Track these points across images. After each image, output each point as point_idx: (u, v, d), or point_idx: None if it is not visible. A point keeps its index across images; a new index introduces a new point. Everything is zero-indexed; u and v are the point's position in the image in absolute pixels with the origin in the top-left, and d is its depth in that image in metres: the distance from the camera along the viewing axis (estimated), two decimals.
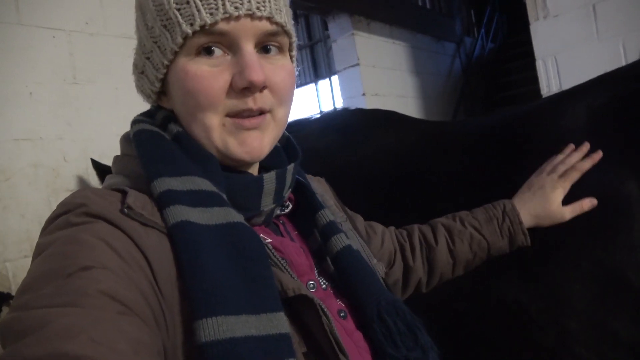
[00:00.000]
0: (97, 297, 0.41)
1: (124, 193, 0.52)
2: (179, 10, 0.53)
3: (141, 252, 0.48)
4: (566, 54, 3.20)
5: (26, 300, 0.41)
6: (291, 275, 0.57)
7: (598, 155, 0.90)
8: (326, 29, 4.45)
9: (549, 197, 0.90)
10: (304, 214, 0.69)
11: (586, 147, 0.92)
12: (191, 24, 0.53)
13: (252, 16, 0.54)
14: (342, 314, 0.61)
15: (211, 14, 0.53)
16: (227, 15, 0.53)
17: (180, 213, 0.50)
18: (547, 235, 0.91)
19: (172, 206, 0.51)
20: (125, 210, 0.50)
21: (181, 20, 0.53)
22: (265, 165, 0.66)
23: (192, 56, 0.55)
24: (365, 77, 4.11)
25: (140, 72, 0.62)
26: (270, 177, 0.59)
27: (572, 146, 0.94)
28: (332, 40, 4.26)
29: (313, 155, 1.46)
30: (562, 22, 3.19)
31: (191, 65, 0.55)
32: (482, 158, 1.11)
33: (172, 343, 0.46)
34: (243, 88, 0.55)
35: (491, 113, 1.36)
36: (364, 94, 4.06)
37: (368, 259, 0.71)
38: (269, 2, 0.55)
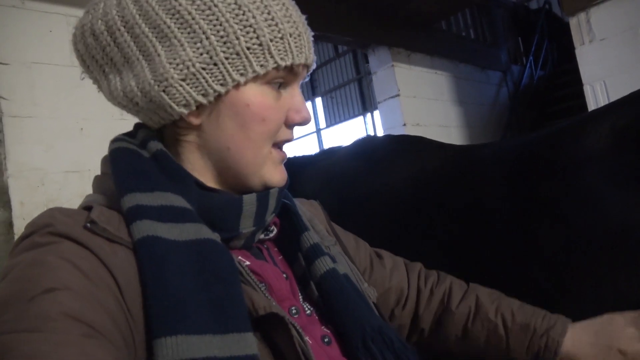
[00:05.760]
0: (60, 320, 0.40)
1: (90, 209, 0.52)
2: (272, 41, 0.55)
3: (108, 271, 0.47)
4: (616, 79, 3.07)
5: None
6: (264, 294, 0.54)
7: None
8: (367, 62, 4.51)
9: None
10: (288, 238, 0.67)
11: None
12: (282, 58, 0.56)
13: (308, 67, 0.62)
14: (326, 340, 0.58)
15: (298, 55, 0.57)
16: (305, 60, 0.59)
17: (148, 228, 0.49)
18: None
19: (139, 221, 0.50)
20: (89, 225, 0.49)
21: (274, 52, 0.55)
22: None
23: (261, 85, 0.58)
24: (406, 108, 4.10)
25: (181, 78, 0.54)
26: (250, 199, 0.58)
27: None
28: (372, 72, 4.31)
29: (340, 182, 1.47)
30: (609, 46, 3.07)
31: (263, 95, 0.58)
32: (504, 182, 1.08)
33: None
34: (297, 123, 0.62)
35: (517, 136, 1.31)
36: (404, 124, 4.05)
37: (357, 282, 0.68)
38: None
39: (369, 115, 10.51)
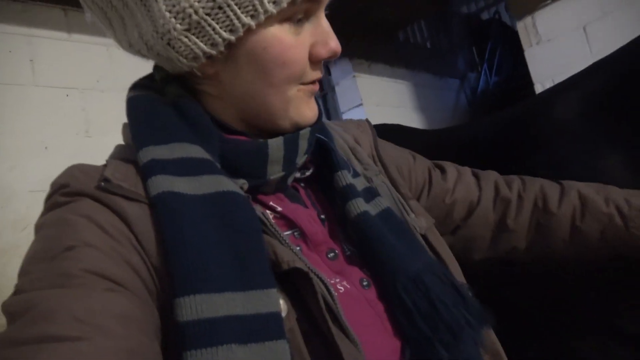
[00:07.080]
0: (82, 276, 0.41)
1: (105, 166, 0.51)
2: None
3: (126, 225, 0.46)
4: (564, 76, 3.21)
5: (19, 285, 0.42)
6: (289, 247, 0.51)
7: None
8: (329, 74, 4.57)
9: None
10: (325, 176, 0.62)
11: None
12: None
13: None
14: (364, 283, 0.56)
15: None
16: None
17: (163, 183, 0.47)
18: None
19: (154, 176, 0.48)
20: (102, 184, 0.48)
21: None
22: None
23: (279, 23, 0.50)
24: (370, 116, 4.15)
25: (185, 28, 0.48)
26: (277, 143, 0.54)
27: None
28: (335, 83, 4.38)
29: None
30: (555, 46, 3.25)
31: (283, 33, 0.50)
32: (480, 163, 1.10)
33: (167, 316, 0.44)
34: (324, 57, 0.53)
35: (488, 116, 1.35)
36: None
37: (403, 213, 0.64)
38: None
39: None
